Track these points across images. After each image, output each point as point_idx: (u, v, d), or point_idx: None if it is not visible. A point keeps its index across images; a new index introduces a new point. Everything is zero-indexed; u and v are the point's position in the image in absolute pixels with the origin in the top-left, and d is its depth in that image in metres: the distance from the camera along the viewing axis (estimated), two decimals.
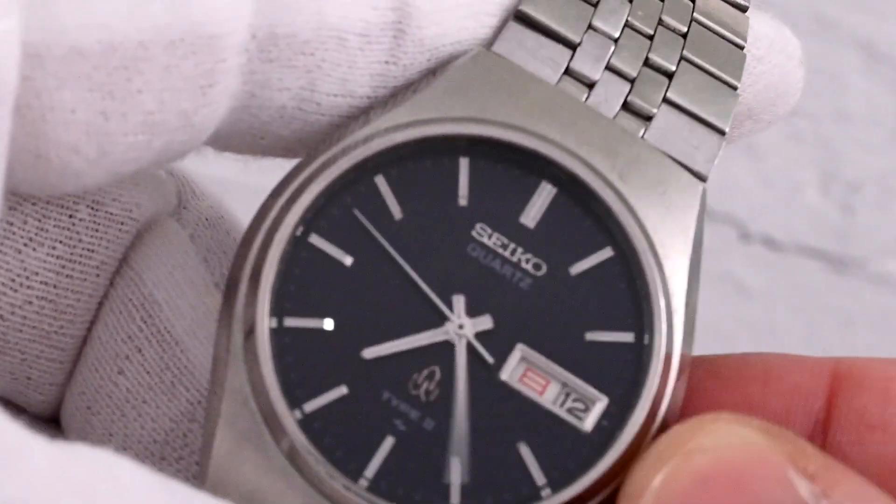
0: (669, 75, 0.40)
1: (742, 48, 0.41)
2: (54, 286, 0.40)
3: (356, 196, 0.38)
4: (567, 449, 0.37)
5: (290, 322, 0.37)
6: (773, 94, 0.42)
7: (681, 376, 0.37)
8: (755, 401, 0.40)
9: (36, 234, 0.40)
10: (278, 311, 0.37)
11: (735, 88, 0.40)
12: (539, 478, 0.36)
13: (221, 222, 0.43)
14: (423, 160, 0.38)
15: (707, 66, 0.40)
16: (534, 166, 0.38)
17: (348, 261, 0.38)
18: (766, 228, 0.87)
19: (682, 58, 0.40)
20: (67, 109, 0.35)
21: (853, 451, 0.39)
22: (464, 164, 0.38)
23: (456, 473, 0.36)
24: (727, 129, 0.39)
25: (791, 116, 0.86)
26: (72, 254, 0.41)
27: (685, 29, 0.41)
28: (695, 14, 0.41)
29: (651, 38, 0.40)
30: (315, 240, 0.38)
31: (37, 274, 0.40)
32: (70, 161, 0.35)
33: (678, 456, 0.34)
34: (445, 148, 0.38)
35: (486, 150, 0.38)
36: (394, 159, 0.38)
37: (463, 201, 0.38)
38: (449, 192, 0.38)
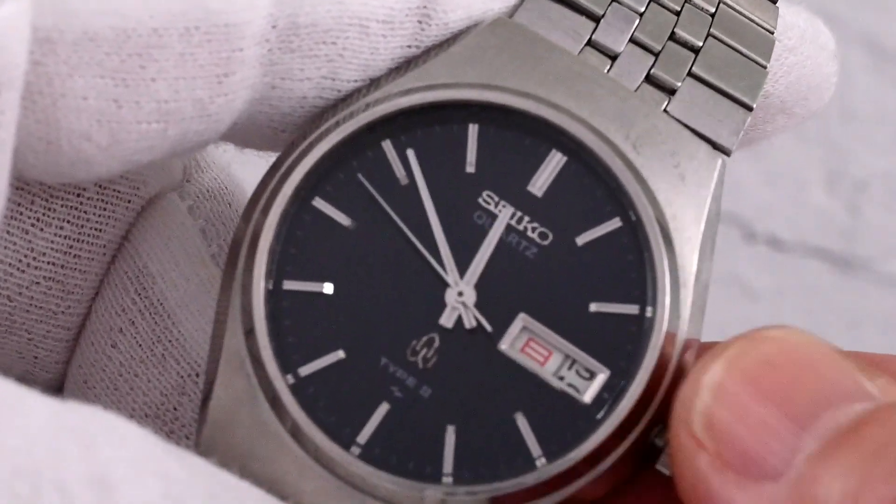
0: (696, 51, 0.39)
1: (772, 33, 0.40)
2: (62, 266, 0.40)
3: (362, 160, 0.38)
4: (564, 420, 0.36)
5: (290, 285, 0.37)
6: (806, 86, 0.41)
7: (687, 351, 0.37)
8: None
9: (43, 215, 0.40)
10: (278, 273, 0.37)
11: (764, 67, 0.39)
12: (535, 448, 0.36)
13: (224, 193, 0.43)
14: (433, 126, 0.38)
15: (735, 43, 0.40)
16: (544, 134, 0.38)
17: (351, 225, 0.37)
18: (771, 228, 0.86)
19: (709, 34, 0.39)
20: (79, 96, 0.34)
21: None
22: (473, 130, 0.38)
23: (450, 442, 0.36)
24: (754, 105, 0.39)
25: None
26: (80, 233, 0.40)
27: (713, 10, 0.40)
28: None
29: (678, 14, 0.40)
30: (319, 203, 0.37)
31: (44, 254, 0.40)
32: (81, 149, 0.35)
33: (742, 341, 0.33)
34: (455, 114, 0.38)
35: (495, 117, 0.38)
36: (403, 125, 0.38)
37: (471, 168, 0.38)
38: (457, 158, 0.38)
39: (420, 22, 0.38)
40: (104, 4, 0.34)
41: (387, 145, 0.38)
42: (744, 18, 0.40)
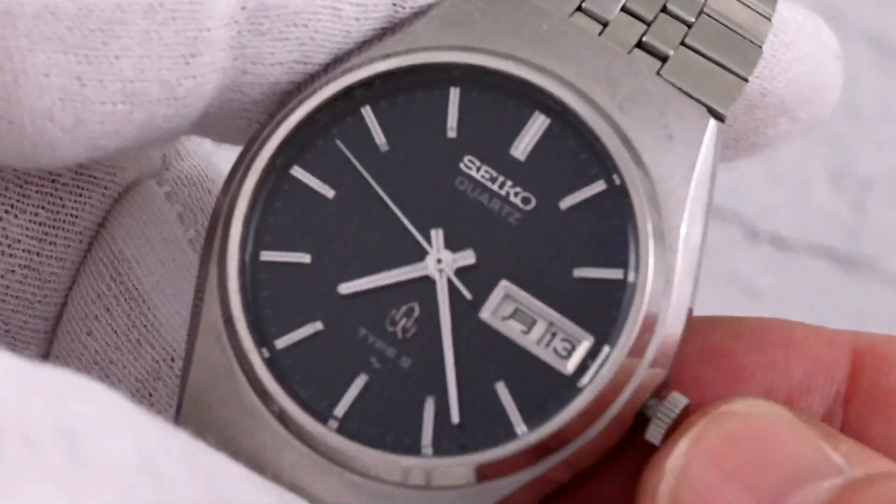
0: (688, 25, 0.38)
1: (769, 19, 0.39)
2: (37, 254, 0.39)
3: (342, 127, 0.37)
4: (546, 389, 0.35)
5: (267, 256, 0.36)
6: (807, 86, 0.40)
7: (677, 318, 0.36)
8: (778, 367, 0.38)
9: (17, 201, 0.39)
10: (255, 244, 0.36)
11: (759, 47, 0.38)
12: (516, 418, 0.35)
13: (203, 181, 0.42)
14: (413, 90, 0.37)
15: (728, 23, 0.39)
16: (526, 96, 0.37)
17: (330, 194, 0.37)
18: (774, 227, 0.85)
19: (701, 12, 0.39)
20: (40, 73, 0.33)
21: (879, 427, 0.38)
22: (454, 94, 0.37)
23: (429, 413, 0.35)
24: (750, 77, 0.38)
25: None
26: (55, 220, 0.39)
27: None
28: None
29: None
30: (297, 172, 0.37)
31: (19, 241, 0.39)
32: (44, 129, 0.34)
33: (705, 419, 0.33)
34: (435, 77, 0.37)
35: (477, 80, 0.37)
36: (382, 89, 0.37)
37: (452, 133, 0.37)
38: (437, 123, 0.37)
39: (394, 4, 0.37)
40: None
41: (366, 111, 0.37)
42: (738, 2, 0.39)
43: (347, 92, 0.37)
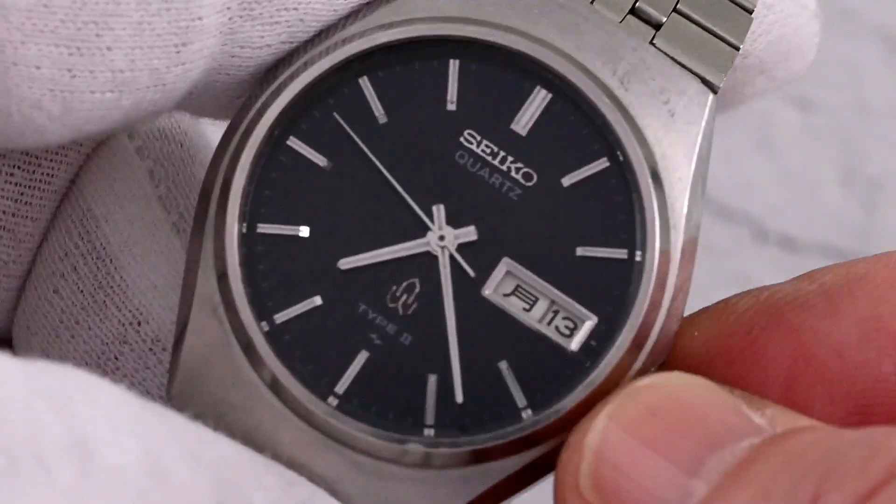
0: None
1: None
2: (12, 214, 0.39)
3: (339, 99, 0.37)
4: (550, 369, 0.35)
5: (264, 228, 0.36)
6: (786, 46, 0.41)
7: (677, 297, 0.36)
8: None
9: None
10: (252, 216, 0.36)
11: (749, 13, 0.38)
12: (520, 398, 0.35)
13: (176, 133, 0.41)
14: (412, 62, 0.37)
15: None
16: (528, 70, 0.36)
17: (328, 166, 0.36)
18: (783, 228, 0.85)
19: None
20: (32, 65, 0.33)
21: None
22: (453, 66, 0.37)
23: (432, 392, 0.35)
24: (741, 46, 0.38)
25: (809, 110, 0.83)
26: (31, 179, 0.39)
27: None
28: None
29: None
30: (294, 143, 0.36)
31: None
32: (32, 118, 0.34)
33: (621, 395, 0.33)
34: (435, 49, 0.37)
35: (477, 52, 0.36)
36: (381, 61, 0.37)
37: (451, 106, 0.37)
38: (437, 95, 0.37)
39: None
40: None
41: (364, 82, 0.37)
42: None
43: (346, 64, 0.36)
